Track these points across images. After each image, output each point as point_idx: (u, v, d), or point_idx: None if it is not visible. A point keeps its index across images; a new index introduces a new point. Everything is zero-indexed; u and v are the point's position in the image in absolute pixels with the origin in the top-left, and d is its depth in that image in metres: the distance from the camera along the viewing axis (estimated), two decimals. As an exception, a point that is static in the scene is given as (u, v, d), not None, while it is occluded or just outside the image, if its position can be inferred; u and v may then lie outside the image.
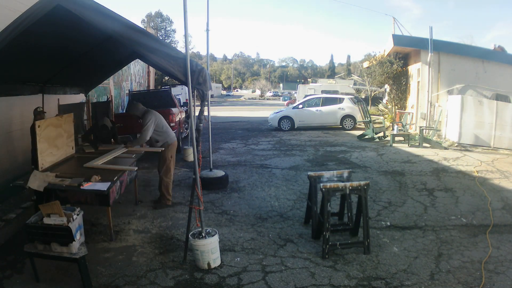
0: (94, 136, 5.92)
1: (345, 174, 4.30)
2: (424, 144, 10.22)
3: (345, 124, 14.94)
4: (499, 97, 10.90)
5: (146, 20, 51.57)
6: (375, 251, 3.82)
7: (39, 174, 3.95)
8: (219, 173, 6.52)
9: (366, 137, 11.67)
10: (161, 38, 33.34)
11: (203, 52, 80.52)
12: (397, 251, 3.83)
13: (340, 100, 15.35)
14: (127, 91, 15.12)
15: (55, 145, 4.61)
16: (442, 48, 11.94)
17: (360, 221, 3.92)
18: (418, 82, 12.54)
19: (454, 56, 11.88)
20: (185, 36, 3.50)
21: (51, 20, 3.44)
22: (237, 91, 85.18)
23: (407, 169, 7.46)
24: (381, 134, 11.72)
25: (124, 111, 11.30)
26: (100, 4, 3.20)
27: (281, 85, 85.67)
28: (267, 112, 20.87)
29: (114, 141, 6.16)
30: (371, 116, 12.40)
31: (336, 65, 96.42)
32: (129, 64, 13.67)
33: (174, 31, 52.55)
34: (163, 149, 5.34)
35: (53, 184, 3.89)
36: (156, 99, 10.41)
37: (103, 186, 3.84)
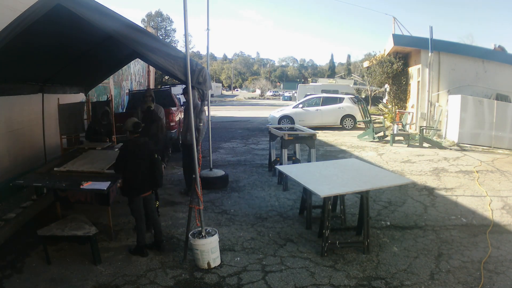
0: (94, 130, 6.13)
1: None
2: (424, 144, 10.21)
3: (345, 124, 14.94)
4: (499, 97, 10.89)
5: (146, 19, 51.63)
6: (375, 251, 3.82)
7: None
8: (219, 172, 6.51)
9: (366, 136, 11.67)
10: (161, 38, 33.31)
11: (203, 52, 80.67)
12: (397, 251, 3.83)
13: (340, 100, 15.36)
14: (127, 91, 15.12)
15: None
16: (442, 48, 11.93)
17: (363, 220, 3.94)
18: (418, 81, 12.54)
19: (454, 56, 11.87)
20: (185, 35, 3.50)
21: (51, 19, 3.43)
22: (237, 90, 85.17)
23: (407, 169, 7.46)
24: (381, 134, 11.71)
25: (124, 110, 11.29)
26: (100, 4, 3.19)
27: (281, 85, 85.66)
28: (267, 112, 20.85)
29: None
30: (371, 115, 12.40)
31: (336, 64, 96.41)
32: (129, 64, 13.64)
33: (174, 30, 52.63)
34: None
35: (53, 183, 3.89)
36: (156, 99, 10.39)
37: (103, 186, 3.84)
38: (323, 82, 43.81)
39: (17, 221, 4.48)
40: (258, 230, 4.43)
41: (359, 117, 14.07)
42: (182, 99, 15.58)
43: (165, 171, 7.57)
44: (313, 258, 3.68)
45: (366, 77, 25.34)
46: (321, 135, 12.80)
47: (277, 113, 15.42)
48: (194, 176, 3.59)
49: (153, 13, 53.09)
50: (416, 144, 10.40)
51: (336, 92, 23.43)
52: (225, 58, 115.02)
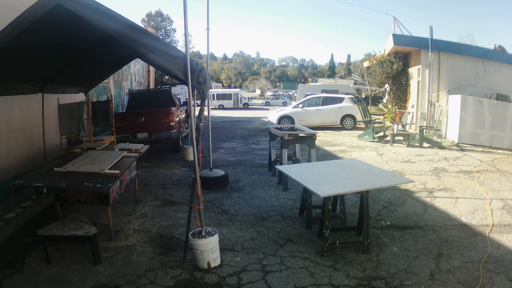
0: None
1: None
2: (424, 144, 10.21)
3: (345, 124, 14.95)
4: (499, 97, 10.90)
5: (146, 19, 51.65)
6: (375, 250, 3.82)
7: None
8: (219, 172, 6.52)
9: (366, 136, 11.68)
10: (161, 38, 33.34)
11: (203, 52, 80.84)
12: (397, 251, 3.83)
13: (340, 100, 15.37)
14: (127, 90, 15.13)
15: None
16: (442, 47, 11.93)
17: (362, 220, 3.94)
18: (418, 81, 12.54)
19: (454, 56, 11.87)
20: (185, 35, 3.50)
21: (51, 19, 3.43)
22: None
23: (407, 169, 7.46)
24: (381, 133, 11.72)
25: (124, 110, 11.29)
26: (100, 3, 3.19)
27: (281, 84, 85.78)
28: (266, 112, 20.85)
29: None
30: (371, 115, 12.41)
31: (336, 64, 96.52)
32: (129, 63, 13.67)
33: (174, 30, 52.69)
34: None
35: (53, 183, 3.89)
36: (156, 99, 10.42)
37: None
38: (323, 82, 43.86)
39: (17, 221, 4.48)
40: (258, 230, 4.43)
41: (359, 117, 14.09)
42: (182, 99, 15.63)
43: (166, 171, 7.58)
44: (313, 258, 3.68)
45: (366, 77, 25.35)
46: (321, 135, 12.81)
47: (276, 113, 15.43)
48: (194, 176, 3.59)
49: (153, 13, 53.11)
50: (416, 144, 10.41)
51: (336, 92, 23.46)
52: (225, 58, 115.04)
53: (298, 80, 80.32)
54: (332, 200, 4.08)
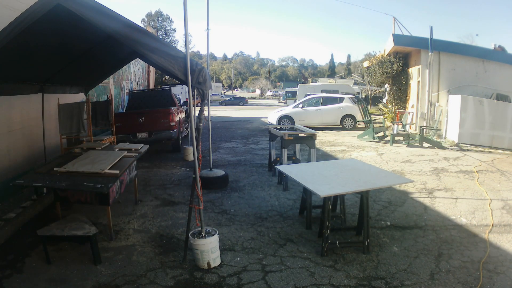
0: None
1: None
2: (424, 144, 10.21)
3: (345, 124, 14.95)
4: (499, 97, 10.90)
5: (146, 19, 51.73)
6: (375, 250, 3.82)
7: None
8: (219, 172, 6.52)
9: (366, 136, 11.68)
10: (161, 37, 33.33)
11: (203, 52, 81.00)
12: (397, 251, 3.83)
13: (340, 100, 15.37)
14: (127, 90, 15.13)
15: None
16: (443, 47, 11.93)
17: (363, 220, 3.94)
18: (418, 81, 12.54)
19: (454, 56, 11.87)
20: (185, 35, 3.50)
21: (51, 19, 3.43)
22: (237, 90, 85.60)
23: (407, 169, 7.46)
24: (381, 134, 11.71)
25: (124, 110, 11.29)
26: (100, 3, 3.19)
27: (281, 84, 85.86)
28: (267, 112, 20.85)
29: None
30: (371, 115, 12.40)
31: (336, 64, 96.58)
32: (129, 63, 13.67)
33: (174, 30, 52.84)
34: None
35: (53, 183, 3.89)
36: (156, 99, 10.42)
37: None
38: (323, 82, 43.81)
39: (17, 221, 4.48)
40: (258, 230, 4.43)
41: (359, 117, 14.08)
42: (182, 99, 15.63)
43: (166, 171, 7.58)
44: (313, 258, 3.68)
45: (366, 77, 25.35)
46: (321, 135, 12.79)
47: (276, 113, 15.43)
48: (194, 176, 3.59)
49: (153, 13, 53.17)
50: (416, 144, 10.40)
51: (336, 92, 23.43)
52: (225, 58, 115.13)
53: (298, 80, 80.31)
54: (332, 200, 4.07)
